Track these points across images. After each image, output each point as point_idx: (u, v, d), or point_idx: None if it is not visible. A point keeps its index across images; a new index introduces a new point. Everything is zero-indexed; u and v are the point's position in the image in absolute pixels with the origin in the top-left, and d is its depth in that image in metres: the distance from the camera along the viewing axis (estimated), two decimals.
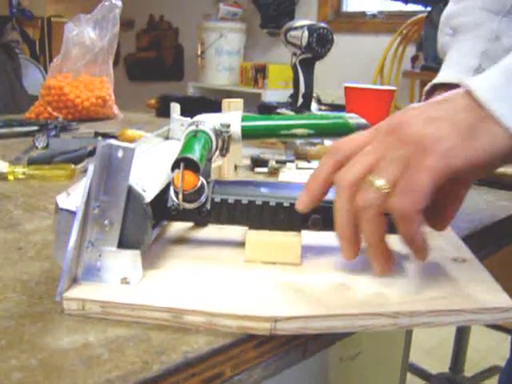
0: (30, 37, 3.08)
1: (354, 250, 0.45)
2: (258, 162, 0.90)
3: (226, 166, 0.81)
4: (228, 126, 0.54)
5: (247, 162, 0.92)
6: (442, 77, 0.77)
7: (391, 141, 0.43)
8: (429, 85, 0.75)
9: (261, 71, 3.48)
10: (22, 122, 1.26)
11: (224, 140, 0.54)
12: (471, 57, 0.75)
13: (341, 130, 0.54)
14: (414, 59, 2.93)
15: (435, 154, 0.41)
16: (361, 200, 0.43)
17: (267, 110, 1.44)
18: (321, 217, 0.50)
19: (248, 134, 0.55)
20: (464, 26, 0.78)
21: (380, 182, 0.42)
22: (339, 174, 0.44)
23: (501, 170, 0.89)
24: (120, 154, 0.42)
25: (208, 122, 0.53)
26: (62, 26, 1.44)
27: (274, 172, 0.88)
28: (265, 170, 0.89)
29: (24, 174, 0.83)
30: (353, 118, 0.54)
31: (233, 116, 0.55)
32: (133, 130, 1.09)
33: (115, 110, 1.49)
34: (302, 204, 0.47)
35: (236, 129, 0.54)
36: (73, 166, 0.85)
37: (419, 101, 2.50)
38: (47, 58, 3.15)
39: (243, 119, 0.55)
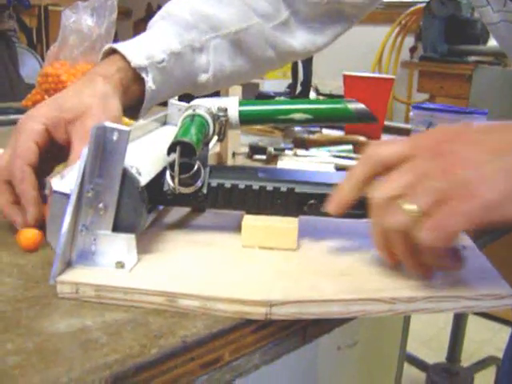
0: (27, 25, 3.06)
1: (392, 258, 0.45)
2: (256, 150, 0.90)
3: (224, 153, 0.81)
4: (225, 110, 0.53)
5: (245, 149, 0.91)
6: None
7: (434, 167, 0.40)
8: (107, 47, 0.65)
9: None
10: (18, 110, 1.26)
11: (221, 124, 0.54)
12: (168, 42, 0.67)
13: (340, 115, 0.54)
14: (413, 50, 2.92)
15: (475, 204, 0.38)
16: (389, 221, 0.42)
17: (265, 99, 1.44)
18: (318, 202, 0.50)
19: (245, 119, 0.55)
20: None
21: (410, 207, 0.40)
22: (374, 188, 0.43)
23: None
24: (115, 136, 0.42)
25: (205, 106, 0.53)
26: (59, 14, 1.43)
27: (272, 159, 0.87)
28: (263, 157, 0.88)
29: None
30: (352, 103, 0.53)
31: (230, 100, 0.55)
32: None
33: None
34: (333, 208, 0.46)
35: (233, 113, 0.54)
36: None
37: (418, 91, 2.49)
38: (44, 46, 3.13)
39: (240, 104, 0.55)
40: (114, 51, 0.63)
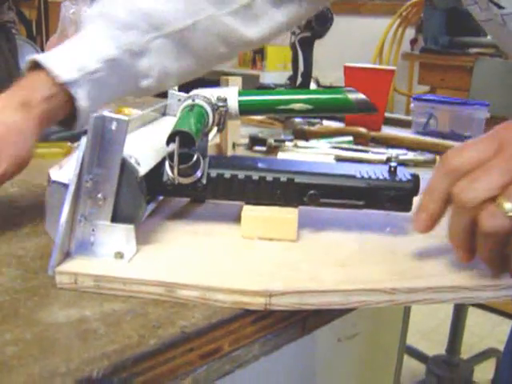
0: (27, 17, 3.04)
1: (470, 256, 0.43)
2: (256, 141, 0.89)
3: (224, 145, 0.80)
4: (225, 100, 0.53)
5: (245, 140, 0.91)
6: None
7: None
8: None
9: (259, 53, 3.45)
10: None
11: (221, 114, 0.54)
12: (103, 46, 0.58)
13: (340, 105, 0.53)
14: (413, 42, 2.91)
15: None
16: (486, 225, 0.39)
17: None
18: (317, 192, 0.49)
19: (245, 109, 0.54)
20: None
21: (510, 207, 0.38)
22: (460, 191, 0.40)
23: None
24: (113, 126, 0.42)
25: (204, 96, 0.52)
26: (59, 6, 1.42)
27: (272, 151, 0.87)
28: (263, 148, 0.88)
29: None
30: (352, 93, 0.53)
31: (230, 90, 0.54)
32: (130, 108, 1.08)
33: None
34: (422, 226, 0.44)
35: (233, 103, 0.54)
36: (69, 143, 0.85)
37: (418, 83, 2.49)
38: (44, 38, 3.12)
39: (240, 94, 0.54)
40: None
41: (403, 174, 0.51)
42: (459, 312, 1.65)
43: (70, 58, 0.56)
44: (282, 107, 0.54)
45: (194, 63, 0.66)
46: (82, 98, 0.56)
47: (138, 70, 0.61)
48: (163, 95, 0.68)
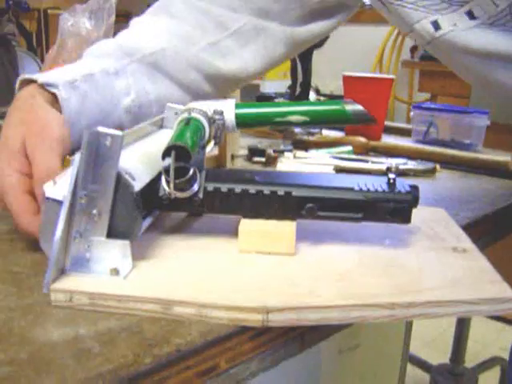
0: (27, 29, 3.06)
1: None
2: (255, 152, 0.89)
3: (222, 156, 0.80)
4: (221, 113, 0.53)
5: (244, 151, 0.91)
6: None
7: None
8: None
9: None
10: None
11: (217, 128, 0.53)
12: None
13: (337, 117, 0.53)
14: (413, 49, 2.91)
15: None
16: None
17: (265, 100, 1.43)
18: (316, 205, 0.49)
19: (242, 122, 0.54)
20: None
21: None
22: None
23: (504, 158, 0.88)
24: (108, 141, 0.41)
25: (201, 109, 0.52)
26: (59, 18, 1.43)
27: (271, 162, 0.87)
28: (262, 159, 0.88)
29: None
30: (349, 105, 0.53)
31: (226, 103, 0.54)
32: None
33: None
34: None
35: (229, 116, 0.53)
36: (67, 156, 0.84)
37: (419, 91, 2.48)
38: (44, 50, 3.13)
39: (237, 106, 0.54)
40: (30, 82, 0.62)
41: (402, 185, 0.51)
42: (462, 320, 1.64)
43: (53, 73, 0.62)
44: (279, 119, 0.53)
45: (172, 87, 0.71)
46: (65, 99, 0.60)
47: (117, 88, 0.66)
48: None
